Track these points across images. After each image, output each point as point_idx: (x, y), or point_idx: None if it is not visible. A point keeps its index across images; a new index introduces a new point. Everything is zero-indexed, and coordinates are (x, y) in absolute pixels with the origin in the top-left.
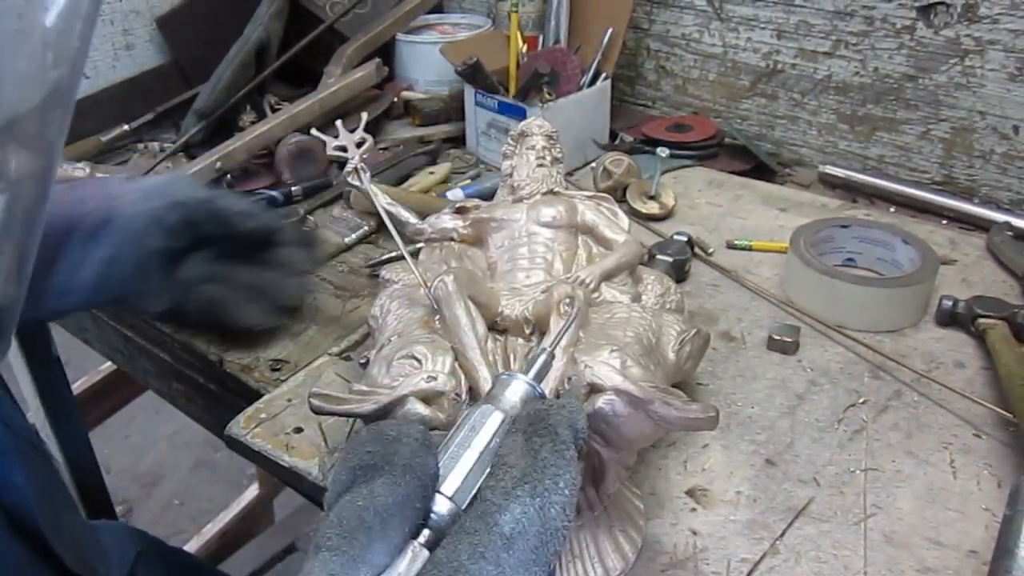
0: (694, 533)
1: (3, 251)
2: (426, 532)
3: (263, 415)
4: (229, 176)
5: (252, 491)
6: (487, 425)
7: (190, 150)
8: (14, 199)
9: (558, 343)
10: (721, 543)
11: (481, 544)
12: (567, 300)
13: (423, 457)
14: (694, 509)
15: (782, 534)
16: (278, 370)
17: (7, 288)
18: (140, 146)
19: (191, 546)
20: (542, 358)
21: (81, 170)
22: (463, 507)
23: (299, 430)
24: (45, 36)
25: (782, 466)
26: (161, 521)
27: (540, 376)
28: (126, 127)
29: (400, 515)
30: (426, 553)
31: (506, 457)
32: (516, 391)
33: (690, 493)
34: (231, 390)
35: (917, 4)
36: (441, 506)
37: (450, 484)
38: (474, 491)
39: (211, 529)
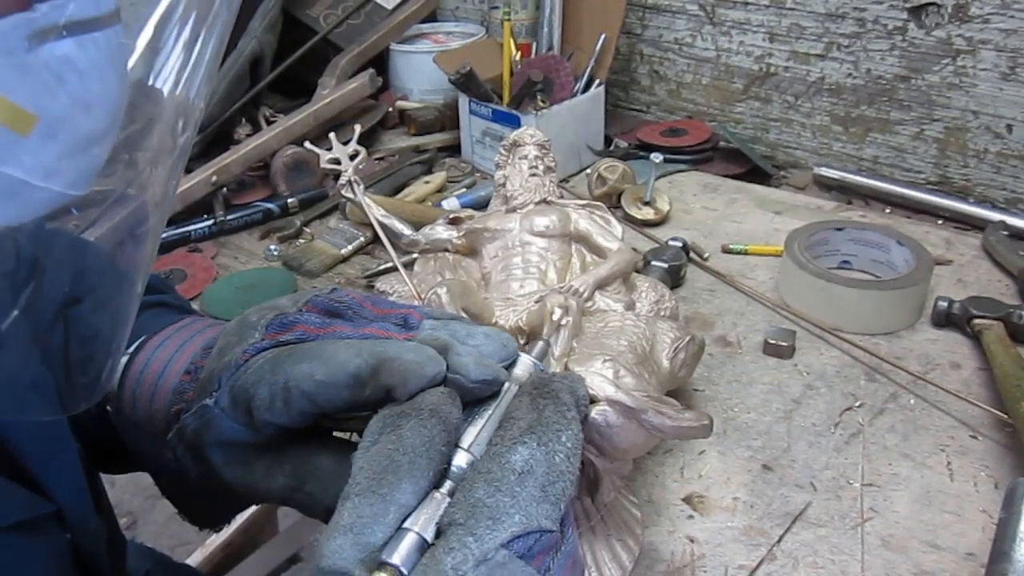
0: (691, 540)
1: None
2: (447, 483)
3: None
4: (225, 189)
5: None
6: (499, 393)
7: (186, 163)
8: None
9: (551, 335)
10: (718, 550)
11: (495, 479)
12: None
13: (448, 406)
14: (691, 516)
15: (779, 540)
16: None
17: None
18: None
19: (195, 558)
20: (539, 343)
21: None
22: (479, 458)
23: None
24: (177, 107)
25: (779, 471)
26: (166, 533)
27: (539, 357)
28: None
29: (427, 456)
30: (448, 500)
31: (513, 413)
32: (523, 366)
33: (687, 500)
34: None
35: (908, 5)
36: (461, 459)
37: (467, 438)
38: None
39: (215, 540)
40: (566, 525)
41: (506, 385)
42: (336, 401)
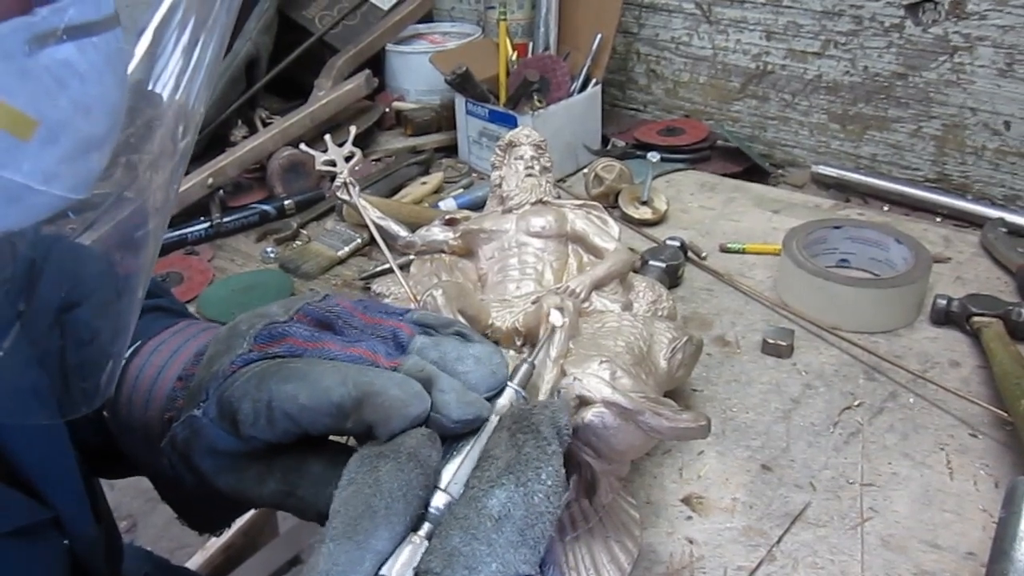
0: (690, 542)
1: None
2: (426, 525)
3: None
4: (221, 191)
5: None
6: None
7: None
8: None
9: (537, 355)
10: (718, 551)
11: (472, 526)
12: (553, 312)
13: (428, 448)
14: (690, 517)
15: (779, 540)
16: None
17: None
18: None
19: (195, 560)
20: (524, 367)
21: None
22: (456, 497)
23: None
24: (177, 111)
25: (778, 471)
26: (166, 535)
27: (523, 383)
28: None
29: (404, 500)
30: (427, 544)
31: (491, 451)
32: (507, 396)
33: (686, 501)
34: None
35: (905, 2)
36: (439, 499)
37: (445, 476)
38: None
39: (215, 543)
40: (547, 564)
41: (489, 419)
42: (318, 426)
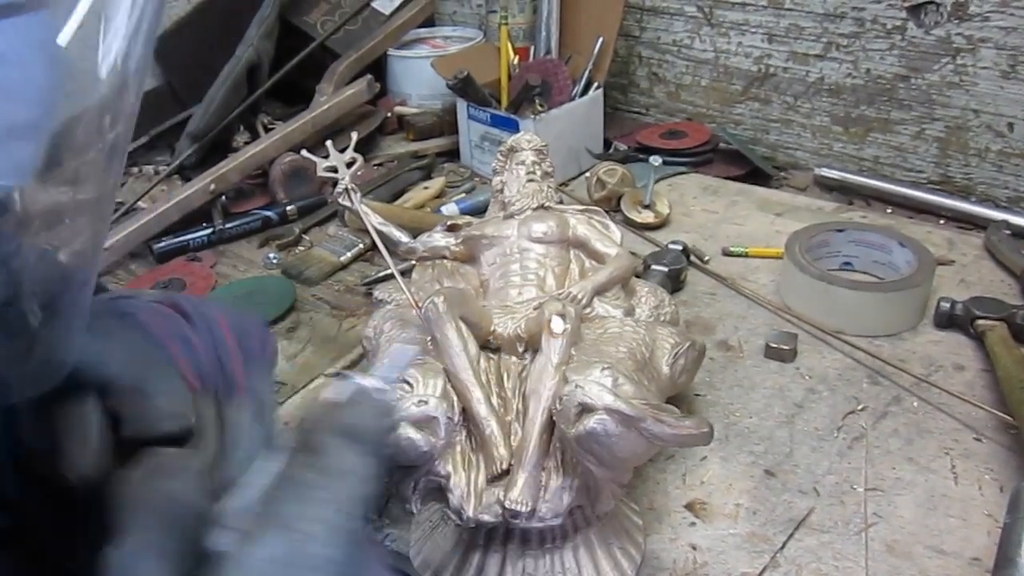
0: (694, 548)
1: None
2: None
3: None
4: (224, 197)
5: None
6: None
7: (185, 172)
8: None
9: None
10: (721, 557)
11: None
12: (555, 318)
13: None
14: (693, 523)
15: (782, 546)
16: (276, 392)
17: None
18: (135, 170)
19: None
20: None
21: None
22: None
23: None
24: (103, 100)
25: (781, 477)
26: None
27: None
28: None
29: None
30: None
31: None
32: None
33: (689, 507)
34: None
35: (907, 4)
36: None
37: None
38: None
39: None
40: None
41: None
42: None
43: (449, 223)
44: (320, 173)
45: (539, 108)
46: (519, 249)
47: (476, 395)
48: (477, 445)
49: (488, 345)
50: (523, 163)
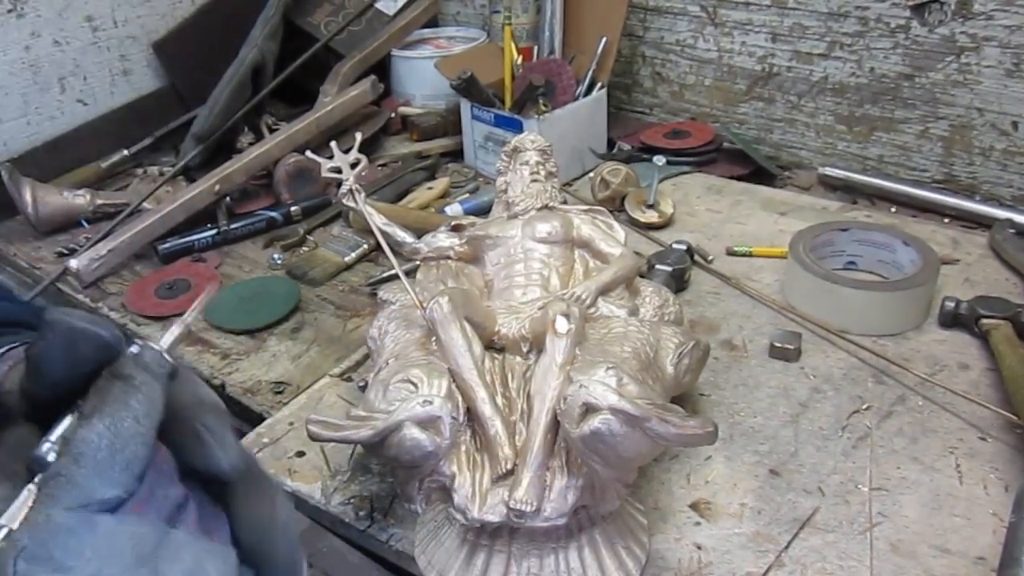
0: (698, 547)
1: None
2: (39, 476)
3: (265, 439)
4: (228, 198)
5: None
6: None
7: (189, 173)
8: None
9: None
10: (726, 557)
11: (62, 466)
12: (559, 318)
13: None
14: (698, 523)
15: (787, 546)
16: (280, 392)
17: None
18: (140, 171)
19: None
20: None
21: (82, 197)
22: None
23: (301, 454)
24: None
25: (786, 476)
26: None
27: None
28: (126, 152)
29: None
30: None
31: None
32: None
33: (694, 507)
34: (235, 413)
35: (911, 3)
36: (44, 449)
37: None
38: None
39: None
40: (162, 485)
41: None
42: None
43: (453, 223)
44: (324, 174)
45: (543, 108)
46: (523, 249)
47: (481, 395)
48: (482, 445)
49: (492, 345)
50: (527, 163)
